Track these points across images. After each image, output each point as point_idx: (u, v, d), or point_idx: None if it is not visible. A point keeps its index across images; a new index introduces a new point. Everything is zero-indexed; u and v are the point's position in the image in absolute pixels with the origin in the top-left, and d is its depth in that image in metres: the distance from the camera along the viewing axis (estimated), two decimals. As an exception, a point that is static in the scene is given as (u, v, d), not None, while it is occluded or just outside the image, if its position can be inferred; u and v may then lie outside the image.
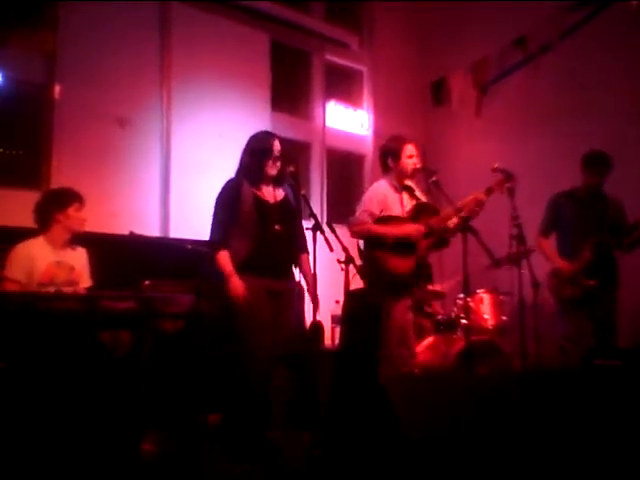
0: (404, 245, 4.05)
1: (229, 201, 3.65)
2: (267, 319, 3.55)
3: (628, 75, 5.84)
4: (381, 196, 4.17)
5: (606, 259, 4.48)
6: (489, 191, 4.05)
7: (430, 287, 5.43)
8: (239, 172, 3.78)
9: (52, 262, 3.77)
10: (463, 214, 3.98)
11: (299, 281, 3.78)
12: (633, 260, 4.58)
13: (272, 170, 3.70)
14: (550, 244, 4.74)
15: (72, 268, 3.84)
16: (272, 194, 3.74)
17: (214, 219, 3.70)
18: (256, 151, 3.71)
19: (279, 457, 3.48)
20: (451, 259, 4.46)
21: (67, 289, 3.73)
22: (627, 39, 5.81)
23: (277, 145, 3.72)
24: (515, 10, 6.51)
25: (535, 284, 3.91)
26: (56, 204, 3.80)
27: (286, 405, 4.02)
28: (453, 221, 4.12)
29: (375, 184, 4.32)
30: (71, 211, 3.79)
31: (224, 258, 3.58)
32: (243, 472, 3.32)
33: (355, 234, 4.15)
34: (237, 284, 3.52)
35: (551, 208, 4.74)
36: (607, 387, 3.28)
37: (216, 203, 3.72)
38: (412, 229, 4.07)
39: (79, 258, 3.93)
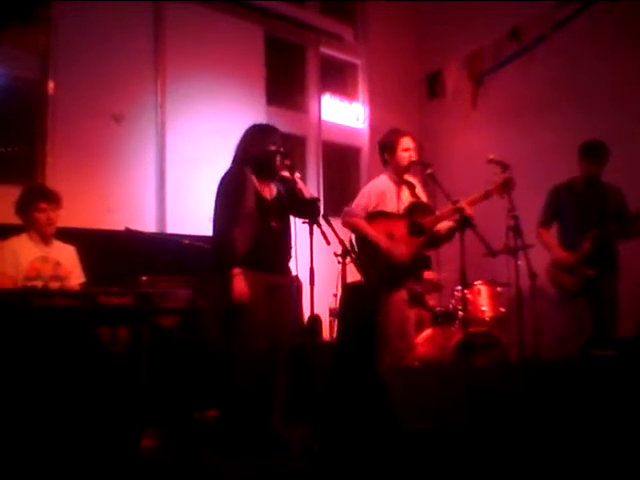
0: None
1: (236, 192, 3.54)
2: (264, 317, 3.53)
3: (622, 66, 5.83)
4: (379, 190, 4.17)
5: (606, 250, 4.48)
6: (488, 194, 4.02)
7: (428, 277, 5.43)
8: (243, 162, 3.65)
9: (37, 257, 3.77)
10: (460, 205, 3.93)
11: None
12: (634, 250, 4.56)
13: (283, 171, 3.65)
14: (550, 235, 4.75)
15: (58, 263, 3.84)
16: (268, 190, 3.73)
17: (221, 211, 3.55)
18: (269, 148, 3.61)
19: (286, 451, 3.48)
20: (448, 251, 4.45)
21: (54, 284, 3.74)
22: (620, 30, 5.80)
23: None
24: (510, 1, 6.49)
25: (532, 275, 3.92)
26: (23, 204, 3.80)
27: (284, 399, 4.02)
28: (446, 225, 4.10)
29: (376, 178, 4.32)
30: (34, 212, 3.78)
31: (237, 272, 3.45)
32: (242, 468, 3.32)
33: (346, 224, 4.17)
34: (242, 285, 3.45)
35: (550, 199, 4.75)
36: (604, 377, 3.29)
37: (222, 194, 3.58)
38: (398, 252, 4.03)
39: (67, 254, 3.92)
